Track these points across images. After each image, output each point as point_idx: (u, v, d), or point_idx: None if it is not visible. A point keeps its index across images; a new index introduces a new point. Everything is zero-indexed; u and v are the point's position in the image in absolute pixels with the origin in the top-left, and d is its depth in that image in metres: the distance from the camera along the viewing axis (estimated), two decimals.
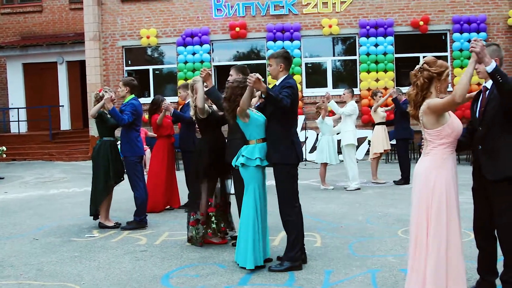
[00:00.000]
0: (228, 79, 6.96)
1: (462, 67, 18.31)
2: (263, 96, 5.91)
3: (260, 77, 5.71)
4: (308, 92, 19.03)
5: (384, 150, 12.65)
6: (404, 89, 13.24)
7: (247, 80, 5.74)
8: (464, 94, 4.31)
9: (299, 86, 18.62)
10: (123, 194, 9.90)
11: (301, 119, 17.72)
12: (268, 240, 6.46)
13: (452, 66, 18.57)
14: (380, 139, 12.52)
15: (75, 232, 8.13)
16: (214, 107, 7.21)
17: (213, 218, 7.13)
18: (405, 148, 12.70)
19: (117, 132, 8.53)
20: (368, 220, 8.50)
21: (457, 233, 4.51)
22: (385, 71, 18.56)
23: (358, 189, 11.40)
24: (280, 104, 5.74)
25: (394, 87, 18.23)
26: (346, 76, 19.86)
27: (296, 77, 18.65)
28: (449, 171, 4.56)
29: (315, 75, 19.86)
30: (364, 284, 5.48)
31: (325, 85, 19.09)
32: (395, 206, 9.53)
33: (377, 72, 18.58)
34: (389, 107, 13.60)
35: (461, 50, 18.39)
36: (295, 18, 19.01)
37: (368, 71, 18.63)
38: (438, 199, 4.50)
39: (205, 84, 6.90)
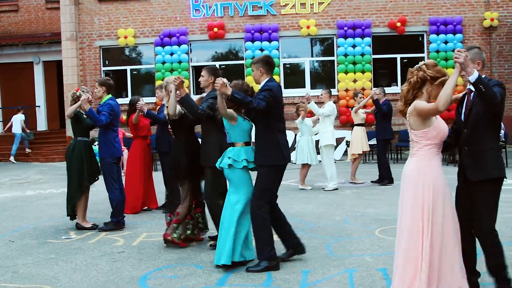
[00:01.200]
0: (199, 80, 7.15)
1: None
2: (230, 99, 5.89)
3: (225, 81, 5.86)
4: (286, 92, 19.00)
5: (363, 152, 12.64)
6: (386, 89, 13.29)
7: (214, 84, 5.94)
8: (447, 103, 4.36)
9: None
10: (101, 195, 9.84)
11: None
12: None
13: None
14: (359, 140, 12.51)
15: (52, 234, 8.06)
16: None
17: (200, 219, 7.27)
18: (385, 149, 12.71)
19: (95, 133, 8.45)
20: (346, 220, 8.53)
21: (450, 232, 4.54)
22: (363, 71, 18.69)
23: (336, 189, 11.42)
24: (249, 106, 5.85)
25: (372, 88, 18.38)
26: (324, 77, 19.95)
27: (274, 78, 18.61)
28: (436, 171, 4.60)
29: (293, 76, 19.92)
30: (341, 283, 5.50)
31: (303, 86, 19.15)
32: (372, 206, 9.58)
33: (354, 73, 18.69)
34: (369, 110, 13.42)
35: (437, 51, 18.58)
36: (273, 19, 19.04)
37: (346, 72, 18.73)
38: (427, 199, 4.53)
39: (178, 92, 6.77)
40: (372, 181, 12.40)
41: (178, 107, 6.92)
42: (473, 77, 4.46)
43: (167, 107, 7.07)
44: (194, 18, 19.35)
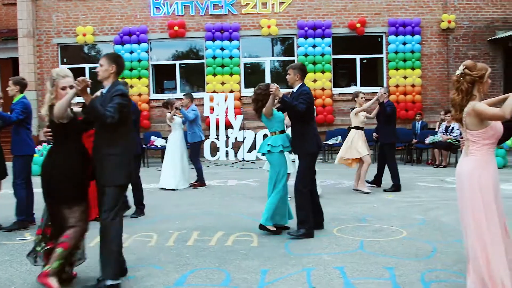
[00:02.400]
0: (97, 70, 5.90)
1: (397, 69, 18.76)
2: (280, 101, 7.37)
3: (278, 86, 7.29)
4: (246, 92, 19.03)
5: (356, 159, 11.37)
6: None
7: (270, 89, 7.32)
8: None
9: (237, 86, 18.64)
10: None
11: (239, 119, 17.76)
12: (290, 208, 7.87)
13: (387, 68, 18.98)
14: (358, 143, 11.21)
15: (6, 235, 7.88)
16: (77, 109, 5.65)
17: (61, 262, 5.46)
18: (392, 153, 11.59)
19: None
20: None
21: (499, 231, 4.68)
22: (323, 72, 18.78)
23: None
24: (294, 109, 7.28)
25: (331, 88, 18.49)
26: (284, 77, 19.80)
27: (235, 77, 18.67)
28: (492, 170, 4.74)
29: (254, 75, 19.92)
30: (299, 282, 5.53)
31: None
32: (331, 205, 9.63)
33: (314, 73, 18.77)
34: (370, 115, 11.76)
35: (396, 52, 18.82)
36: (234, 18, 19.02)
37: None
38: (485, 197, 4.67)
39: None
40: (385, 190, 11.34)
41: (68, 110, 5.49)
42: None
43: (50, 105, 5.58)
44: (154, 16, 19.19)
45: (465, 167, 4.80)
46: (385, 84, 19.08)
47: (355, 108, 11.53)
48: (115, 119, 5.24)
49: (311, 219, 7.47)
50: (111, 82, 5.67)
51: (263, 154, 7.88)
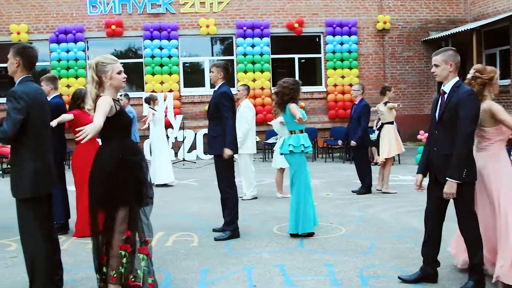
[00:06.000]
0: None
1: (335, 69, 19.04)
2: None
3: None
4: (186, 91, 18.98)
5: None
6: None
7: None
8: None
9: (176, 85, 18.54)
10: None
11: (179, 118, 17.66)
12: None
13: (325, 68, 19.24)
14: (394, 140, 10.77)
15: None
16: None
17: None
18: (366, 154, 11.41)
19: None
20: (245, 218, 8.56)
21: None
22: (262, 71, 18.88)
23: (255, 198, 10.48)
24: None
25: (271, 87, 18.59)
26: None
27: (174, 77, 18.55)
28: (506, 163, 5.15)
29: (193, 75, 19.86)
30: (240, 281, 5.57)
31: (203, 85, 19.14)
32: (271, 204, 9.74)
33: (254, 72, 18.86)
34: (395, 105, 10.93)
35: (333, 52, 19.11)
36: (173, 17, 18.90)
37: (245, 71, 18.87)
38: (499, 190, 5.07)
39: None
40: (353, 191, 10.92)
41: None
42: None
43: None
44: (91, 14, 18.84)
45: (478, 163, 5.10)
46: (323, 84, 19.36)
47: (388, 102, 10.88)
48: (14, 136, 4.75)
49: (237, 220, 7.49)
50: (20, 77, 5.16)
51: (281, 154, 7.71)
